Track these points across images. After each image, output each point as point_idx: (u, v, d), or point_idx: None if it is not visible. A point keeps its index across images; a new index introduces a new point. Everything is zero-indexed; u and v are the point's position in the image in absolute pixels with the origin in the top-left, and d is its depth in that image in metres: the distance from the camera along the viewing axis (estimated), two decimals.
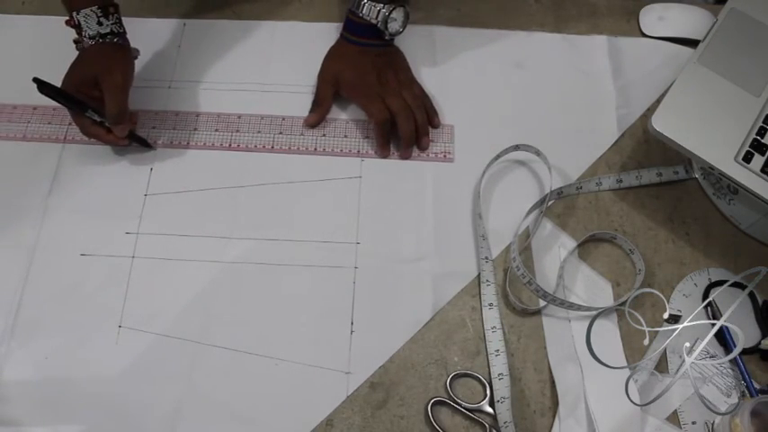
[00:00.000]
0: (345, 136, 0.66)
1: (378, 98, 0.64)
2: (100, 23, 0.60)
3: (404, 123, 0.63)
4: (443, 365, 0.56)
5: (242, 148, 0.65)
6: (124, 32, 0.62)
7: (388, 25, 0.63)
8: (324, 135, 0.66)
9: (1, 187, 0.64)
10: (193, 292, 0.58)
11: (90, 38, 0.60)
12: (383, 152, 0.65)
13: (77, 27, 0.60)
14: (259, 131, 0.66)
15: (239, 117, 0.67)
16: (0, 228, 0.61)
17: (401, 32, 0.65)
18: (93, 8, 0.59)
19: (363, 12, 0.62)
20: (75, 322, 0.57)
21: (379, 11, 0.62)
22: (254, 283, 0.59)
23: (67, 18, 0.61)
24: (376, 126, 0.64)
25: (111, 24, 0.61)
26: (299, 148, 0.65)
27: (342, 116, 0.67)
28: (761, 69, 0.59)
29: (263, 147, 0.65)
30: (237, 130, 0.66)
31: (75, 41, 0.62)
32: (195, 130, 0.66)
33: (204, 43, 0.72)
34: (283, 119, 0.67)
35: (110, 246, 0.60)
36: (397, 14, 0.63)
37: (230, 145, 0.65)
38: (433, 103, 0.67)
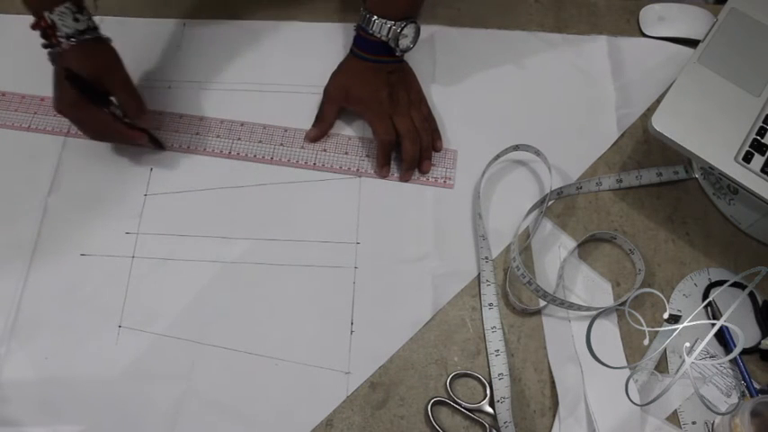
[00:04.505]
0: (346, 153, 0.65)
1: (387, 117, 0.62)
2: (76, 20, 0.56)
3: (409, 146, 0.62)
4: (443, 365, 0.56)
5: (242, 157, 0.65)
6: (97, 26, 0.59)
7: (399, 42, 0.61)
8: (324, 150, 0.65)
9: (2, 182, 0.64)
10: (193, 292, 0.58)
11: (67, 37, 0.56)
12: (383, 172, 0.64)
13: (50, 28, 0.55)
14: (260, 141, 0.65)
15: (242, 125, 0.66)
16: (0, 227, 0.61)
17: (411, 48, 0.63)
18: (67, 4, 0.55)
19: (373, 29, 0.60)
20: (75, 322, 0.57)
21: (390, 28, 0.60)
22: (254, 283, 0.59)
23: (34, 21, 0.56)
24: (380, 145, 0.63)
25: (87, 20, 0.57)
26: (298, 162, 0.65)
27: (344, 132, 0.67)
28: (761, 69, 0.58)
29: (263, 158, 0.65)
30: (239, 138, 0.66)
31: (46, 46, 0.57)
32: (197, 134, 0.66)
33: (204, 43, 0.72)
34: (285, 130, 0.66)
35: (110, 246, 0.60)
36: (408, 31, 0.61)
37: (230, 153, 0.65)
38: (433, 102, 0.67)
